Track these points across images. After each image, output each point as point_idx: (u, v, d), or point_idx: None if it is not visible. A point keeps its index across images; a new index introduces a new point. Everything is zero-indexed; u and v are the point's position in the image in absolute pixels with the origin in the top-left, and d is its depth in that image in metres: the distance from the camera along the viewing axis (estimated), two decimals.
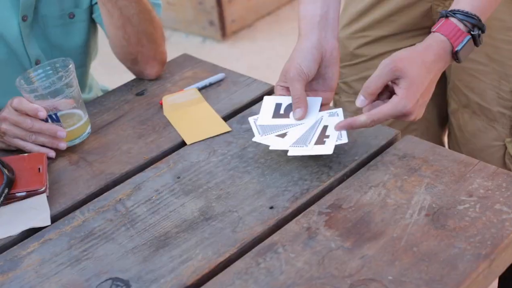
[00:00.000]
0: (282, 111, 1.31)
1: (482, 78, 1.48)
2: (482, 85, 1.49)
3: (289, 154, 1.25)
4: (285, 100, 1.32)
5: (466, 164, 1.23)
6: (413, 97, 1.19)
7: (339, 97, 1.68)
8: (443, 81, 1.60)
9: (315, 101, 1.31)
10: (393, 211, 1.15)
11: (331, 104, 1.71)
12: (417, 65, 1.19)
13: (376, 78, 1.21)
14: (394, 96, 1.20)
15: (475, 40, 1.22)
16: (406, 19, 1.53)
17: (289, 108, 1.31)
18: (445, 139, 1.73)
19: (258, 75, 3.20)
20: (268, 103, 1.33)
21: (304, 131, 1.28)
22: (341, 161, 1.27)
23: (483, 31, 1.22)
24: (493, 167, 1.21)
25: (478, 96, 1.50)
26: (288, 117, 1.30)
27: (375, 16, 1.56)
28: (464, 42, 1.21)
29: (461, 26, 1.21)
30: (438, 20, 1.23)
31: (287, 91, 1.30)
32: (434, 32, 1.22)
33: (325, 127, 1.27)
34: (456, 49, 1.21)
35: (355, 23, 1.59)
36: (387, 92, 1.23)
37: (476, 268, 1.03)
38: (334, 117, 1.29)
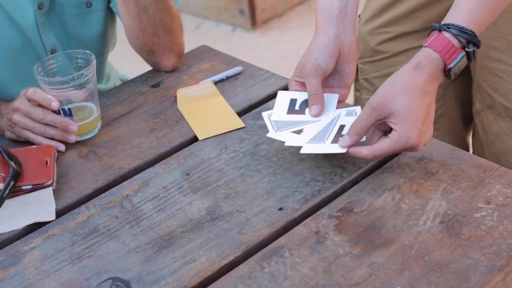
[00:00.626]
0: (297, 107, 1.27)
1: (507, 79, 1.42)
2: (507, 85, 1.43)
3: (301, 151, 1.20)
4: (300, 96, 1.28)
5: (485, 169, 1.17)
6: (413, 129, 1.11)
7: (360, 94, 1.63)
8: (467, 80, 1.54)
9: (332, 98, 1.27)
10: (406, 216, 1.10)
11: (352, 101, 1.67)
12: (405, 94, 1.12)
13: (361, 119, 1.15)
14: (393, 132, 1.13)
15: (469, 56, 1.14)
16: (430, 16, 1.47)
17: (304, 104, 1.27)
18: (470, 140, 1.67)
19: (287, 65, 3.18)
20: (283, 98, 1.29)
21: (321, 128, 1.24)
22: (356, 162, 1.23)
23: (478, 47, 1.14)
24: None
25: (503, 97, 1.44)
26: (304, 113, 1.26)
27: (398, 11, 1.50)
28: (458, 59, 1.13)
29: (455, 42, 1.12)
30: (430, 33, 1.16)
31: (302, 86, 1.26)
32: (425, 47, 1.14)
33: (341, 127, 1.23)
34: (449, 67, 1.13)
35: (377, 18, 1.54)
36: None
37: (489, 281, 0.98)
38: (352, 117, 1.24)
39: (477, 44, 1.14)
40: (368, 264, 1.02)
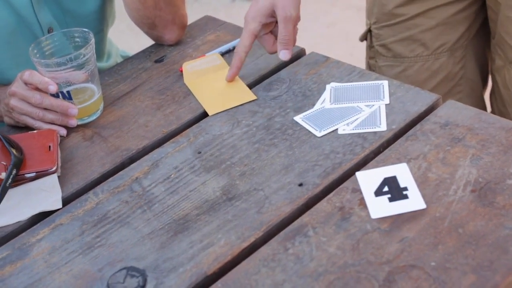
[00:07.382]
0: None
1: None
2: None
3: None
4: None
5: None
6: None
7: (375, 62, 1.55)
8: (485, 37, 1.46)
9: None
10: (435, 186, 1.03)
11: (364, 67, 1.59)
12: None
13: None
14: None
15: None
16: None
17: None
18: (486, 98, 1.60)
19: None
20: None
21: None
22: (377, 132, 1.16)
23: None
24: None
25: None
26: None
27: None
28: None
29: None
30: None
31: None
32: None
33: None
34: None
35: None
36: None
37: None
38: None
39: None
40: (399, 240, 0.96)
